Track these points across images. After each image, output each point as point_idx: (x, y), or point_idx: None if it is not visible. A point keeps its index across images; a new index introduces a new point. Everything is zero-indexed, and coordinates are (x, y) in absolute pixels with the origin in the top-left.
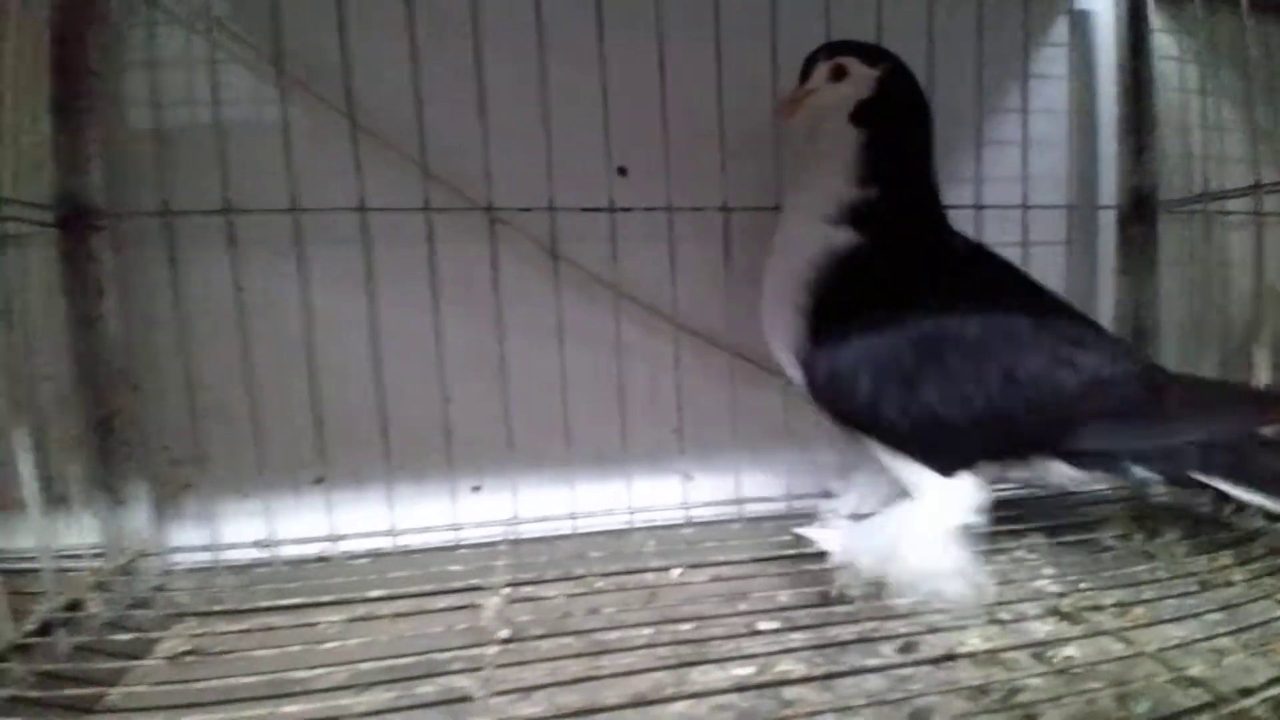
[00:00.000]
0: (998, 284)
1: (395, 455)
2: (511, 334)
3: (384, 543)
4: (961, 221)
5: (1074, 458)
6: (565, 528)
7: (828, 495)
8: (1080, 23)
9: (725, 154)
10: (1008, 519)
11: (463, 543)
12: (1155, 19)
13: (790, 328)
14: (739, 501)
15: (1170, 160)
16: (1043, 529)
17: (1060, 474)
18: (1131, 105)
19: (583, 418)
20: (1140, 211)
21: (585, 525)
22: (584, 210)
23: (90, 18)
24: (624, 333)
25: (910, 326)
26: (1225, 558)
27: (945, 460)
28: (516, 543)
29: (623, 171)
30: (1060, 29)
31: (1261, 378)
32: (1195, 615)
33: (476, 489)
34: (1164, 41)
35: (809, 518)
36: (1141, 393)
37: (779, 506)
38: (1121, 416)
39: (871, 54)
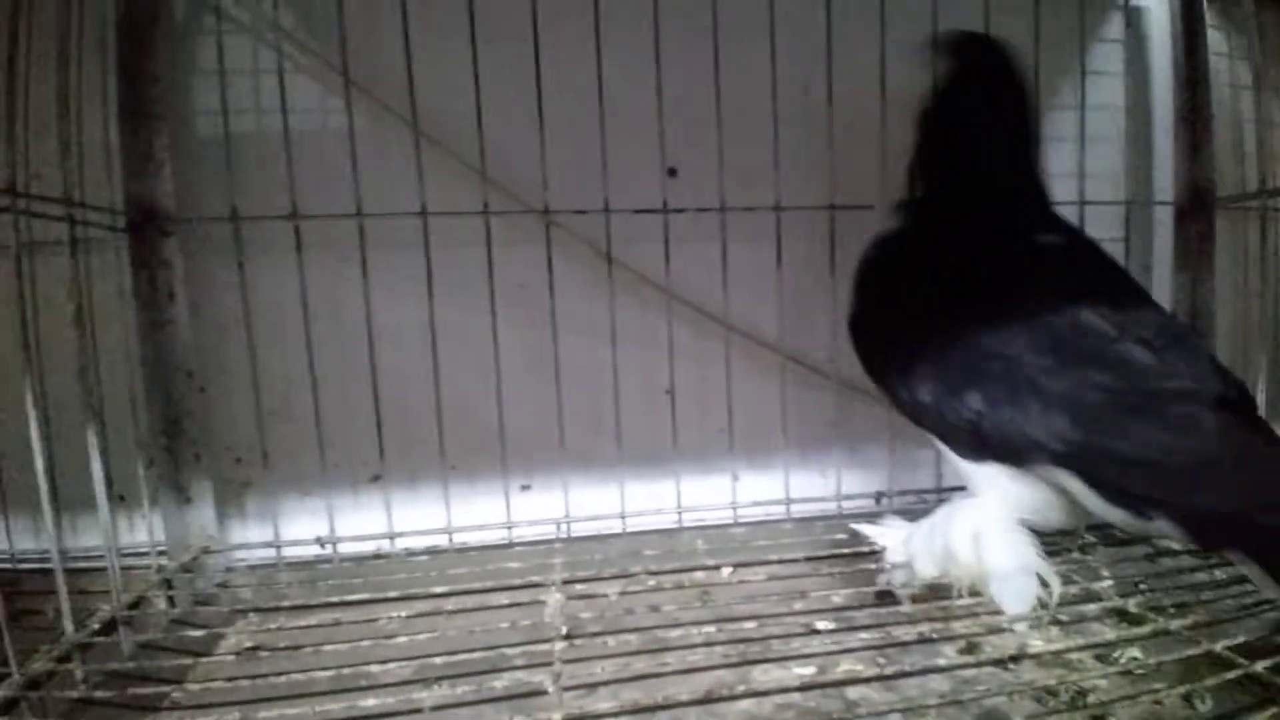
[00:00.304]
0: (1049, 275)
1: (450, 454)
2: (565, 335)
3: (441, 540)
4: None
5: (1095, 483)
6: (616, 526)
7: (879, 496)
8: (1134, 19)
9: (778, 153)
10: None
11: (517, 541)
12: (1208, 15)
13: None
14: (789, 501)
15: (1222, 157)
16: (1097, 529)
17: (1080, 494)
18: (1187, 101)
19: (633, 418)
20: (1197, 207)
21: (635, 524)
22: (637, 212)
23: (155, 25)
24: (675, 334)
25: (909, 301)
26: None
27: (961, 447)
28: (570, 541)
29: (673, 173)
30: (1115, 25)
31: None
32: (1254, 614)
33: (526, 488)
34: (1215, 38)
35: (859, 518)
36: (1186, 432)
37: (829, 507)
38: (1150, 449)
39: (955, 48)
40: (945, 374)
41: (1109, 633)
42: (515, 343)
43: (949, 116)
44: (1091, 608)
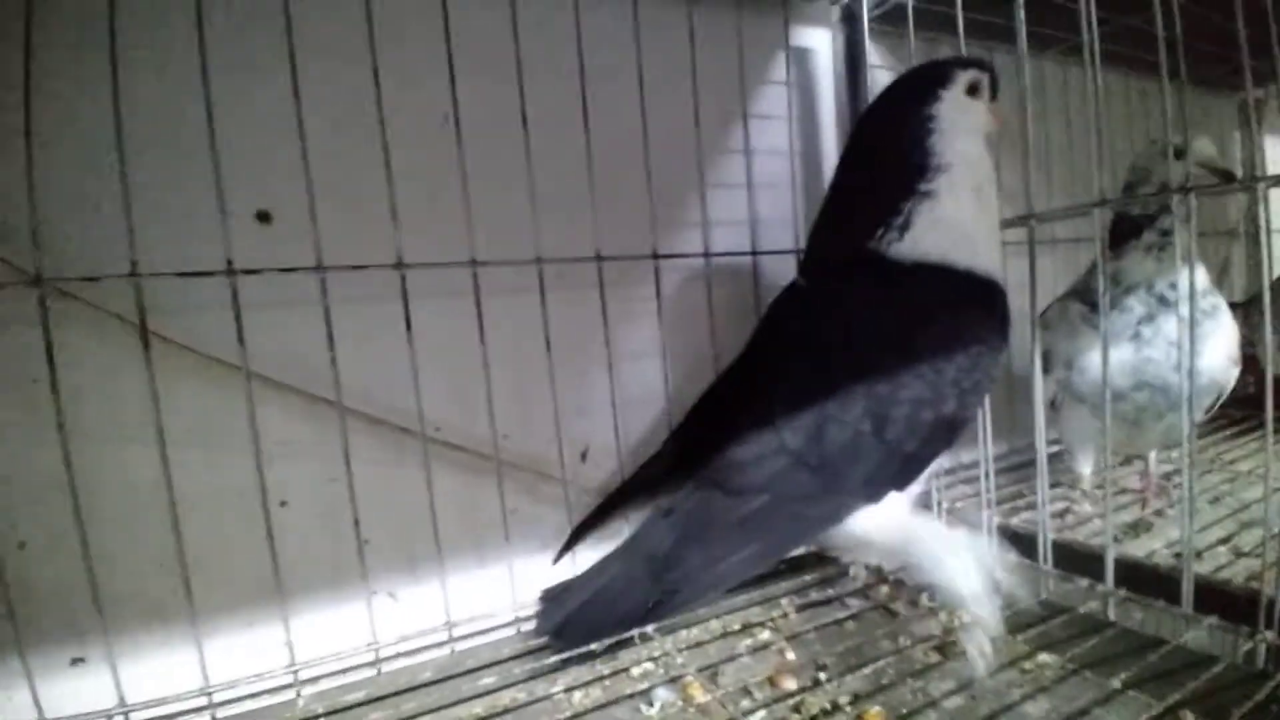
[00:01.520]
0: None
1: None
2: (94, 444)
3: None
4: (690, 272)
5: None
6: (198, 705)
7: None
8: (800, 60)
9: (395, 198)
10: None
11: None
12: (873, 55)
13: None
14: (447, 625)
15: None
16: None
17: None
18: None
19: (217, 546)
20: None
21: (226, 696)
22: (185, 275)
23: None
24: (286, 427)
25: None
26: None
27: None
28: None
29: (264, 218)
30: (779, 68)
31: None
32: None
33: (78, 661)
34: (882, 78)
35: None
36: None
37: (505, 619)
38: None
39: None
40: None
41: None
42: (23, 462)
43: None
44: None
